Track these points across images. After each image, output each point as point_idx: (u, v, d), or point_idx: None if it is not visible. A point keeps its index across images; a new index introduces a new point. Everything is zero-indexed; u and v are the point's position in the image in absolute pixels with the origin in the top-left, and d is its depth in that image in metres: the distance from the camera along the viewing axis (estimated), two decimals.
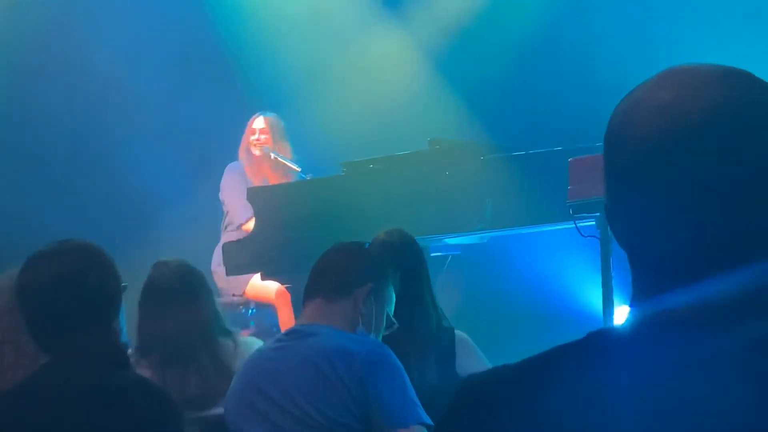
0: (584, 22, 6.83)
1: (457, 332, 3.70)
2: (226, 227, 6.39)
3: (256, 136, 6.48)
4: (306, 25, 7.44)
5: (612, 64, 6.62)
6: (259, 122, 6.53)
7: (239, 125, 6.65)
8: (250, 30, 7.46)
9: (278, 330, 5.80)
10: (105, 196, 7.23)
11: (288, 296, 5.97)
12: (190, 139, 7.27)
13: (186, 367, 3.63)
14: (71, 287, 2.54)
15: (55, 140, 7.19)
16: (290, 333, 3.26)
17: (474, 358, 3.57)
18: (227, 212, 6.41)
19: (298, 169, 6.40)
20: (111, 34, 7.32)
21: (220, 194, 6.47)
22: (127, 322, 3.75)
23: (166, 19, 7.50)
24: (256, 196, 5.96)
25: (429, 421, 3.01)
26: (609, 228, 1.14)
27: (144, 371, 3.59)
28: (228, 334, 3.76)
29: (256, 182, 6.33)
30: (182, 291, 3.73)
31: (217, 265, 6.18)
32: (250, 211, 6.05)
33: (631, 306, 1.10)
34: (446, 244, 5.78)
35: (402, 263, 3.56)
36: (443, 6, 7.22)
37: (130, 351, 3.60)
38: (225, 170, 6.49)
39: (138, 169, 7.27)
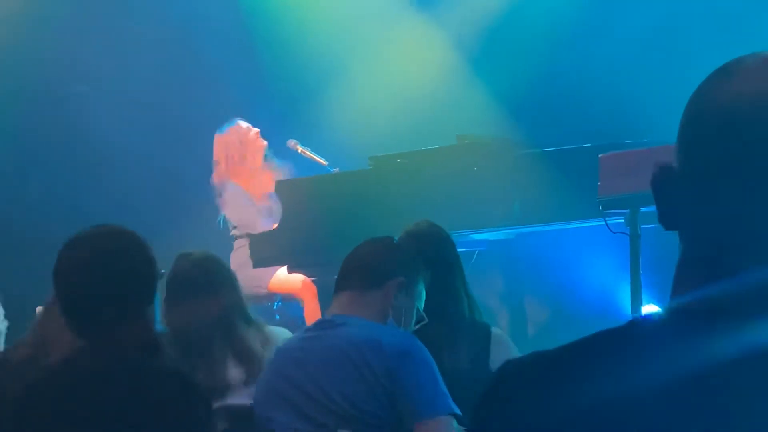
0: (616, 17, 6.80)
1: (495, 329, 3.69)
2: (238, 237, 6.28)
3: (255, 135, 6.35)
4: (335, 18, 7.44)
5: (643, 61, 6.60)
6: (249, 126, 6.37)
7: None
8: (279, 23, 7.46)
9: (303, 322, 5.79)
10: (147, 185, 7.24)
11: (314, 289, 5.95)
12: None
13: (195, 361, 3.58)
14: (104, 270, 2.54)
15: (96, 127, 7.22)
16: (320, 323, 3.27)
17: (510, 356, 3.53)
18: (237, 226, 6.30)
19: (326, 163, 6.38)
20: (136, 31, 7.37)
21: (224, 211, 6.27)
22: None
23: (193, 13, 7.53)
24: (284, 190, 5.96)
25: (458, 411, 3.01)
26: (661, 209, 1.11)
27: None
28: (251, 323, 3.73)
29: (256, 193, 6.22)
30: (203, 283, 3.69)
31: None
32: (270, 215, 5.99)
33: (674, 291, 1.10)
34: (473, 240, 5.77)
35: (431, 252, 3.56)
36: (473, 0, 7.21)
37: None
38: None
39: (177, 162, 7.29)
